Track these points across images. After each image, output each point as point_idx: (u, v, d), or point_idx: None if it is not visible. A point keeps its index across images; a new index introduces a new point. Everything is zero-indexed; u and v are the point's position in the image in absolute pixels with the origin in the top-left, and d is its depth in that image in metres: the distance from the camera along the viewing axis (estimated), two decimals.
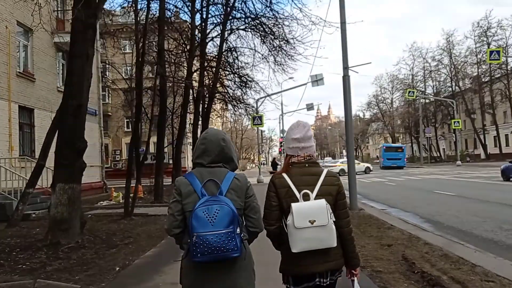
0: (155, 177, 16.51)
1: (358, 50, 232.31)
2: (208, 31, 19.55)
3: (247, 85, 20.30)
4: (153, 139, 40.59)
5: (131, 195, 12.01)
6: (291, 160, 2.53)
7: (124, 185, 22.07)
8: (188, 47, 18.31)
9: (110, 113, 44.16)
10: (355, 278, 2.54)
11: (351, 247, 2.51)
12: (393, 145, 58.37)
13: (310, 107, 43.27)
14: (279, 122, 43.21)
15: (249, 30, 20.01)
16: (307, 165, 2.49)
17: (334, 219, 2.36)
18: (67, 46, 19.41)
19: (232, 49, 20.23)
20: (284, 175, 2.47)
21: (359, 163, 36.69)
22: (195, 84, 21.37)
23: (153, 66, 19.97)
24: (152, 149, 44.24)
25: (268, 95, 25.17)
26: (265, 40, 19.39)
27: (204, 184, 2.24)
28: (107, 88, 45.86)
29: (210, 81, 20.71)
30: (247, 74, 20.00)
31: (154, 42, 17.98)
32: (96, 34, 8.51)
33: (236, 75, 20.34)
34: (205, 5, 19.29)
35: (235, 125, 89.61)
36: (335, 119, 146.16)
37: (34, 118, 16.70)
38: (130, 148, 13.88)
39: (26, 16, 13.90)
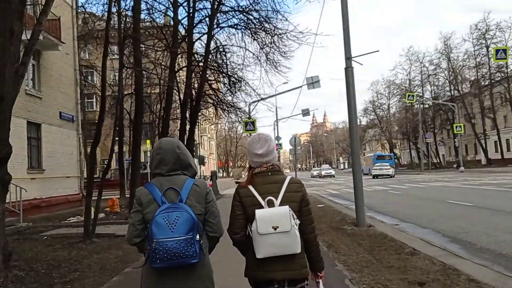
0: (130, 188, 14.56)
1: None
2: (194, 25, 17.65)
3: (237, 86, 18.40)
4: (145, 147, 38.43)
5: (99, 211, 10.06)
6: (254, 171, 2.56)
7: (118, 196, 20.13)
8: (170, 43, 16.37)
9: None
10: (320, 281, 2.58)
11: (316, 252, 2.57)
12: (384, 154, 62.31)
13: (305, 113, 41.31)
14: (274, 129, 41.33)
15: (239, 27, 18.21)
16: (270, 173, 2.53)
17: (297, 226, 2.39)
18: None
19: (220, 47, 18.35)
20: (249, 185, 2.51)
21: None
22: (183, 86, 19.49)
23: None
24: (143, 157, 42.53)
25: (262, 99, 23.31)
26: (255, 37, 17.56)
27: (164, 193, 2.29)
28: (94, 95, 44.16)
29: (197, 83, 18.81)
30: (236, 74, 18.08)
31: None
32: (25, 7, 6.54)
33: (225, 75, 18.41)
34: None
35: (230, 133, 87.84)
36: (330, 126, 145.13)
37: None
38: (91, 155, 11.88)
39: None
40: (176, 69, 16.37)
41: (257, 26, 16.68)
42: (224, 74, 18.56)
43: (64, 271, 6.46)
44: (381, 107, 78.00)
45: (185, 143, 19.52)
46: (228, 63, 18.48)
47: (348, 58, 9.67)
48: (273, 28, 16.44)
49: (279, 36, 16.40)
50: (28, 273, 6.21)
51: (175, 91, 20.34)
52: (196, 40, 19.30)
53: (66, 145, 19.14)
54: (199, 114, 23.48)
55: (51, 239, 9.73)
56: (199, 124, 60.98)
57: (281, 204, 2.39)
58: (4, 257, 5.90)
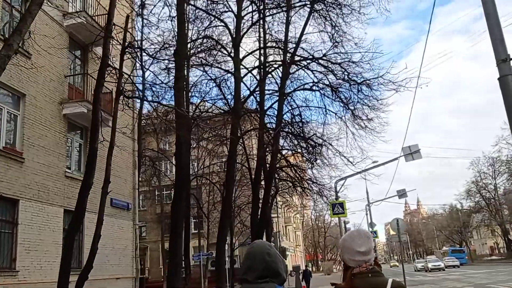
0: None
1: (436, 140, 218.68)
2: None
3: (316, 152, 14.60)
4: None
5: None
6: (353, 271, 2.41)
7: None
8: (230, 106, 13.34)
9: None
10: None
11: None
12: (457, 248, 73.64)
13: (402, 194, 35.76)
14: (366, 214, 36.04)
15: (316, 86, 14.93)
16: (370, 275, 2.37)
17: None
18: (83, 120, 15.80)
19: (295, 109, 14.99)
20: None
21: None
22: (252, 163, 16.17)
23: None
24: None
25: (347, 176, 19.19)
26: (337, 93, 14.02)
27: None
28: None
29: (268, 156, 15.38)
30: (314, 134, 14.39)
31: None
32: None
33: (300, 138, 14.79)
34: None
35: (317, 222, 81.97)
36: (427, 213, 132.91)
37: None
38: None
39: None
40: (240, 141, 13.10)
41: (338, 76, 13.20)
42: (299, 138, 14.95)
43: None
44: (486, 188, 69.03)
45: (255, 229, 15.72)
46: (305, 127, 14.95)
47: (504, 60, 5.58)
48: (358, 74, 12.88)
49: (367, 84, 12.72)
50: None
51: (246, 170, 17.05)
52: (268, 108, 16.29)
53: (118, 238, 16.12)
54: (282, 200, 19.94)
55: None
56: (282, 212, 56.70)
57: None
58: None
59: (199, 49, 14.91)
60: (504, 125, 74.71)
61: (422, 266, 53.20)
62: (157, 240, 41.31)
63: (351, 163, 15.01)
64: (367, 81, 13.03)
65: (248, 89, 15.44)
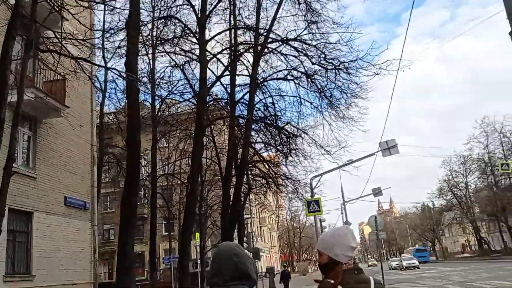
0: None
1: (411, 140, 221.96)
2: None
3: (290, 143, 13.49)
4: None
5: None
6: (342, 267, 2.38)
7: None
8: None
9: (146, 215, 38.71)
10: None
11: None
12: (421, 247, 78.24)
13: (377, 192, 35.26)
14: (342, 213, 35.23)
15: (290, 76, 13.86)
16: (356, 272, 2.39)
17: None
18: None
19: (268, 98, 13.88)
20: (339, 286, 2.31)
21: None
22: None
23: None
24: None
25: (322, 174, 18.22)
26: (313, 80, 12.96)
27: None
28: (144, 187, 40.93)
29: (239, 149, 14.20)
30: (289, 123, 13.29)
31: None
32: None
33: (274, 128, 13.66)
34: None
35: (292, 222, 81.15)
36: (399, 212, 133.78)
37: None
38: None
39: None
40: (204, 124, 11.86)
41: (314, 61, 12.12)
42: (273, 128, 13.81)
43: None
44: (458, 186, 69.65)
45: (226, 228, 14.53)
46: (279, 119, 13.84)
47: None
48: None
49: (346, 68, 11.68)
50: None
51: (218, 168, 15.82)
52: (240, 99, 15.12)
53: (74, 240, 14.64)
54: (257, 200, 18.82)
55: None
56: (257, 212, 55.54)
57: None
58: None
59: (161, 31, 13.68)
60: (475, 124, 75.81)
61: (397, 264, 53.06)
62: None
63: (328, 153, 13.92)
64: (345, 64, 12.03)
65: (216, 75, 14.19)
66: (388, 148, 20.24)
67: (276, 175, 16.51)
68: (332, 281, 2.29)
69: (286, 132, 13.30)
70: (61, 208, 14.21)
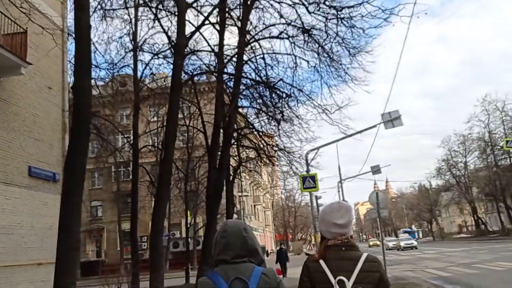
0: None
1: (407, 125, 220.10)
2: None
3: (283, 104, 11.83)
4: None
5: None
6: (327, 243, 2.35)
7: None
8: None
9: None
10: None
11: None
12: (409, 229, 77.40)
13: (376, 169, 33.81)
14: (338, 191, 33.83)
15: (285, 34, 12.11)
16: (344, 248, 2.32)
17: None
18: None
19: (259, 56, 12.13)
20: (320, 260, 2.30)
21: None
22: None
23: None
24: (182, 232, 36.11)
25: (319, 147, 16.63)
26: (310, 35, 11.19)
27: (230, 284, 2.03)
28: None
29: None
30: (281, 79, 11.58)
31: None
32: None
33: (264, 86, 11.95)
34: None
35: (287, 202, 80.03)
36: (395, 193, 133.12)
37: None
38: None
39: None
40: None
41: (311, 8, 10.34)
42: (264, 85, 12.08)
43: None
44: (456, 166, 68.44)
45: (210, 201, 13.01)
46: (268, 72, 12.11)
47: None
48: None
49: (349, 15, 9.90)
50: None
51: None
52: (228, 61, 13.37)
53: (40, 215, 13.05)
54: (251, 177, 17.18)
55: None
56: (251, 190, 54.11)
57: (354, 285, 2.21)
58: None
59: None
60: (476, 102, 74.14)
61: (394, 244, 52.10)
62: (114, 220, 38.13)
63: (326, 112, 12.19)
64: (348, 9, 10.23)
65: (195, 26, 12.29)
66: (391, 120, 18.67)
67: (269, 146, 14.91)
68: (317, 255, 2.31)
69: (278, 92, 11.61)
70: (24, 179, 12.58)
